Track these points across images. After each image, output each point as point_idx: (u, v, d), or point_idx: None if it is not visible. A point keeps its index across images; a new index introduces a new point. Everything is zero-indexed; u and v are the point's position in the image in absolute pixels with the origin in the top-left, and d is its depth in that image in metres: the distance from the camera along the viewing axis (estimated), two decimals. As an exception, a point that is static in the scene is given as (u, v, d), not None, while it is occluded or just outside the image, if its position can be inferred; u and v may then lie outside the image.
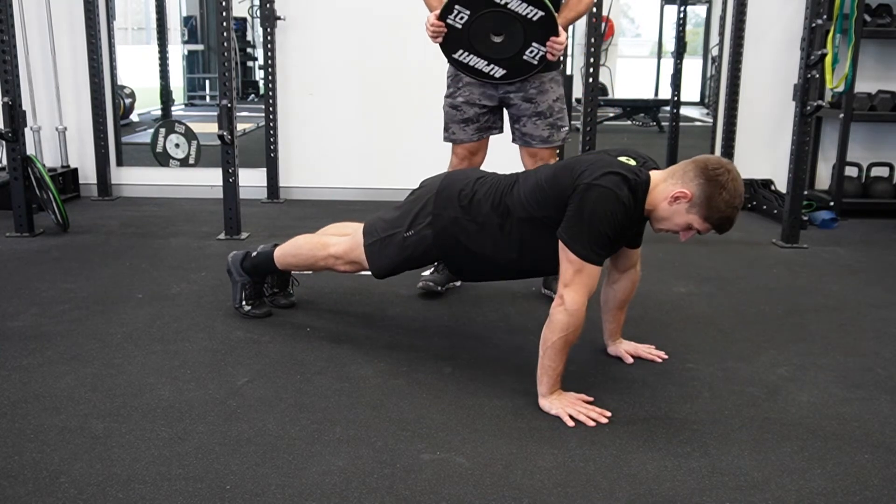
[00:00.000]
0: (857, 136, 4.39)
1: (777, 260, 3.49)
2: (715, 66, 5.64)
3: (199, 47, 7.75)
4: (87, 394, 2.03)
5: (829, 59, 3.54)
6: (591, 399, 2.02)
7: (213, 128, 3.52)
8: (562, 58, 2.69)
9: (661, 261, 3.34)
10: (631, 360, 2.31)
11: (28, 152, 3.64)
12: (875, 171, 4.42)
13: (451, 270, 2.37)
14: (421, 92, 4.42)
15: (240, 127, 4.62)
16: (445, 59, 2.57)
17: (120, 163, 4.64)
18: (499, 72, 2.48)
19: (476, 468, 1.71)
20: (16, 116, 3.49)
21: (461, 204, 2.16)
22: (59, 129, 4.43)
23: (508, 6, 2.30)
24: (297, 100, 4.53)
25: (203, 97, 7.84)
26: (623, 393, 2.10)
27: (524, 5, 2.31)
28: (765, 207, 4.32)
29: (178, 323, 2.55)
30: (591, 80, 3.40)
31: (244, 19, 7.31)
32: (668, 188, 1.96)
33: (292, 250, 2.50)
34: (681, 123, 5.05)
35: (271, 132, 4.48)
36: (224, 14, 3.44)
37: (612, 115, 7.60)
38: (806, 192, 3.99)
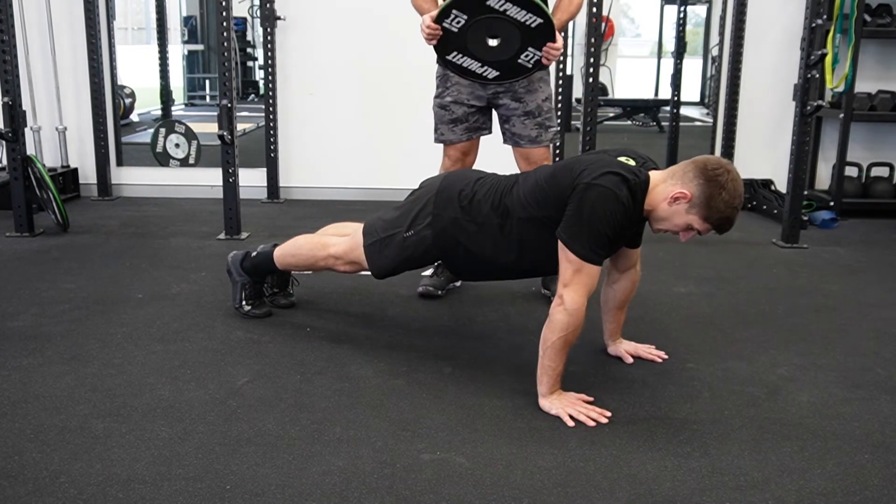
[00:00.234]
0: (857, 136, 4.39)
1: (777, 260, 3.49)
2: (715, 66, 5.64)
3: (199, 47, 7.75)
4: (87, 394, 2.03)
5: (829, 59, 3.54)
6: (591, 399, 2.02)
7: (213, 128, 3.52)
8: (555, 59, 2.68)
9: (661, 261, 3.34)
10: (631, 360, 2.31)
11: (28, 152, 3.64)
12: (875, 171, 4.42)
13: (450, 271, 2.37)
14: (421, 92, 4.40)
15: (240, 127, 4.62)
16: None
17: (120, 163, 4.64)
18: (492, 73, 2.47)
19: (476, 468, 1.71)
20: (16, 116, 3.50)
21: (461, 204, 2.16)
22: (59, 129, 4.43)
23: (507, 13, 2.28)
24: (297, 100, 4.53)
25: (203, 97, 7.84)
26: (623, 393, 2.10)
27: (523, 12, 2.29)
28: (765, 207, 4.32)
29: (178, 323, 2.55)
30: (591, 80, 3.40)
31: (244, 19, 7.30)
32: (668, 189, 1.96)
33: (292, 250, 2.50)
34: (681, 123, 5.05)
35: (271, 132, 4.48)
36: (224, 14, 3.44)
37: (612, 115, 7.60)
38: (806, 192, 3.99)
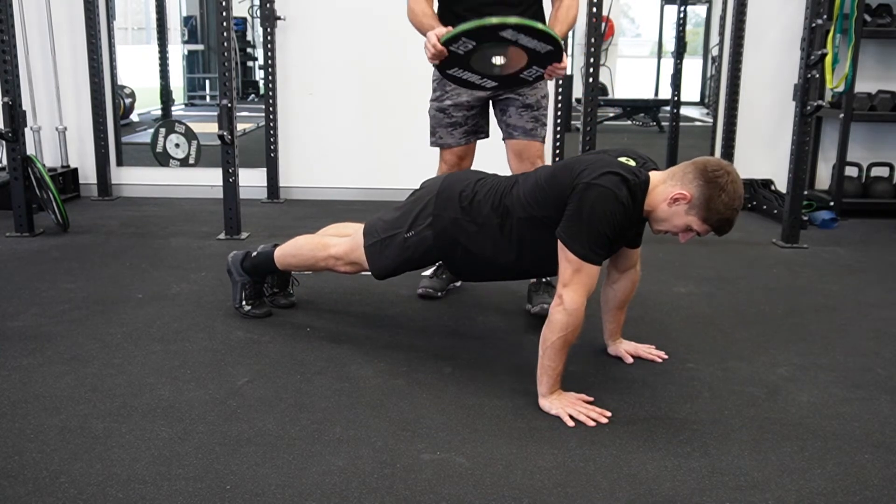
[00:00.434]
0: (857, 136, 4.39)
1: (777, 260, 3.49)
2: (715, 66, 5.64)
3: (199, 47, 7.75)
4: (87, 394, 2.03)
5: (829, 59, 3.54)
6: (591, 399, 2.02)
7: (213, 128, 3.52)
8: None
9: (661, 261, 3.34)
10: (631, 360, 2.31)
11: (28, 152, 3.64)
12: (875, 171, 4.42)
13: (451, 271, 2.36)
14: (421, 92, 4.39)
15: (240, 127, 4.63)
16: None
17: (120, 163, 4.64)
18: (490, 84, 2.43)
19: (476, 468, 1.71)
20: (16, 116, 3.50)
21: (461, 205, 2.16)
22: (59, 129, 4.43)
23: (519, 42, 2.23)
24: (297, 100, 4.53)
25: (203, 97, 7.85)
26: (623, 393, 2.10)
27: (535, 41, 2.24)
28: (765, 207, 4.32)
29: (178, 323, 2.55)
30: (591, 80, 3.40)
31: (244, 19, 7.31)
32: (668, 189, 1.96)
33: (292, 251, 2.50)
34: (681, 123, 5.05)
35: (271, 132, 4.48)
36: (224, 14, 3.44)
37: (612, 115, 7.60)
38: (806, 192, 3.99)
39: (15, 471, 1.66)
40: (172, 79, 6.52)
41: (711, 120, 4.90)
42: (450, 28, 2.18)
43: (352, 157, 4.59)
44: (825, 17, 3.47)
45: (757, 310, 2.80)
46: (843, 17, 3.71)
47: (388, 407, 2.00)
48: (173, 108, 6.75)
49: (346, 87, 4.51)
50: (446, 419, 1.93)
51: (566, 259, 1.94)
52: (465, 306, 2.79)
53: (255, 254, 2.59)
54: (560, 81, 4.36)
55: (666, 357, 2.34)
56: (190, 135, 4.71)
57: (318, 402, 2.02)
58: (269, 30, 4.39)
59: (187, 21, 7.73)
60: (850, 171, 4.36)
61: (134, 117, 6.31)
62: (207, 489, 1.61)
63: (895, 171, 4.40)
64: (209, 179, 4.46)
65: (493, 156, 2.90)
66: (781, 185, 4.25)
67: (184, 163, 4.71)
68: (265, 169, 4.53)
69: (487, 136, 2.75)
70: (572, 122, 6.15)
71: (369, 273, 2.35)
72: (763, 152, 4.59)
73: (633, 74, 10.00)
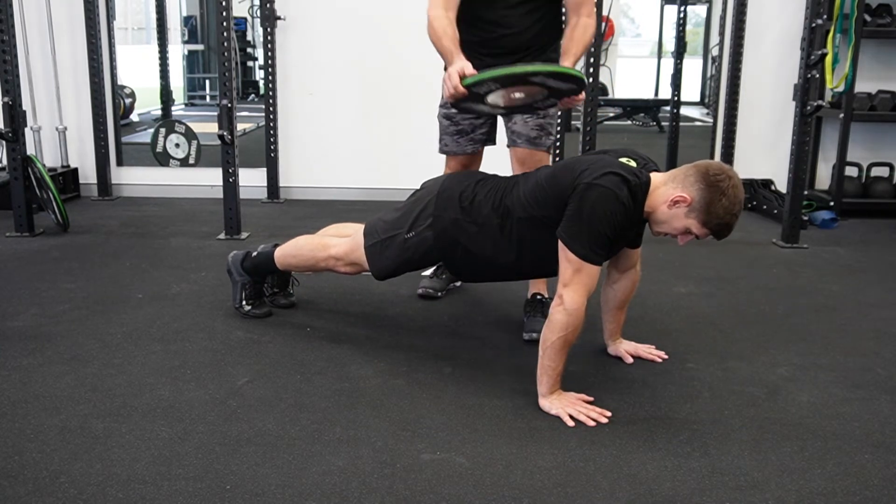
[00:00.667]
0: (857, 136, 4.39)
1: (777, 260, 3.49)
2: (715, 66, 5.63)
3: (199, 47, 7.75)
4: (87, 394, 2.03)
5: (829, 59, 3.54)
6: (591, 399, 2.02)
7: (213, 128, 3.52)
8: None
9: (661, 261, 3.34)
10: (631, 360, 2.32)
11: (28, 152, 3.64)
12: (875, 171, 4.42)
13: (451, 272, 2.36)
14: (421, 92, 4.41)
15: (240, 127, 4.62)
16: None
17: (120, 163, 4.64)
18: (500, 111, 2.40)
19: (476, 468, 1.71)
20: (16, 116, 3.50)
21: (462, 205, 2.16)
22: (60, 129, 4.43)
23: (545, 84, 2.18)
24: (297, 100, 4.53)
25: (203, 97, 7.85)
26: (623, 393, 2.10)
27: (561, 82, 2.16)
28: (765, 207, 4.32)
29: (178, 323, 2.55)
30: (591, 80, 3.40)
31: (244, 19, 7.30)
32: (668, 191, 1.96)
33: (293, 251, 2.50)
34: (681, 123, 5.05)
35: (271, 132, 4.48)
36: (224, 14, 3.44)
37: (612, 115, 7.60)
38: (806, 192, 3.99)
39: (15, 471, 1.66)
40: (172, 79, 6.52)
41: (711, 120, 4.90)
42: (475, 71, 2.12)
43: (352, 157, 4.59)
44: (825, 17, 3.47)
45: (757, 310, 2.80)
46: (843, 17, 3.71)
47: (388, 407, 2.00)
48: (173, 108, 6.75)
49: (346, 87, 4.51)
50: (446, 419, 1.93)
51: (566, 259, 1.94)
52: (465, 306, 2.79)
53: (255, 254, 2.59)
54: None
55: (666, 357, 2.34)
56: (190, 135, 4.71)
57: (318, 402, 2.02)
58: (269, 30, 4.39)
59: (187, 21, 7.73)
60: (850, 171, 4.36)
61: (134, 117, 6.31)
62: (207, 489, 1.61)
63: (895, 171, 4.40)
64: (209, 179, 4.46)
65: (499, 160, 2.89)
66: (781, 185, 4.25)
67: (184, 163, 4.71)
68: (265, 169, 4.53)
69: (494, 143, 2.68)
70: (572, 122, 6.14)
71: (370, 273, 2.35)
72: (763, 152, 4.58)
73: (633, 74, 10.00)
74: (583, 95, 2.26)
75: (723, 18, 4.69)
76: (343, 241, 2.39)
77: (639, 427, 1.92)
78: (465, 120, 2.60)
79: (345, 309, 2.73)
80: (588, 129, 3.48)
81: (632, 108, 7.63)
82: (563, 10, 2.49)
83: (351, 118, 4.54)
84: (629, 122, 7.49)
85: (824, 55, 3.49)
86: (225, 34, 3.46)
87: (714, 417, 1.97)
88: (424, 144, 4.31)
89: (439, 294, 2.85)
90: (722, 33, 4.70)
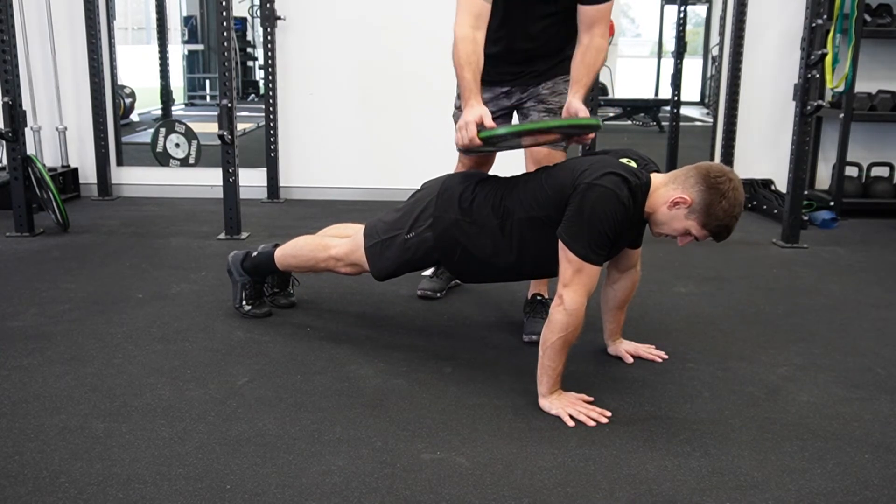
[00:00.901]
0: (857, 136, 4.39)
1: (777, 260, 3.49)
2: (715, 66, 5.63)
3: (199, 47, 7.75)
4: (87, 394, 2.03)
5: (829, 59, 3.54)
6: (591, 399, 2.02)
7: (214, 127, 3.52)
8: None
9: (662, 261, 3.34)
10: (631, 360, 2.32)
11: (28, 152, 3.64)
12: (875, 171, 4.43)
13: (451, 273, 2.36)
14: (421, 92, 4.42)
15: (240, 127, 4.62)
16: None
17: (120, 163, 4.64)
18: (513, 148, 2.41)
19: (476, 468, 1.71)
20: (16, 116, 3.50)
21: (462, 206, 2.16)
22: (60, 129, 4.43)
23: (563, 132, 2.16)
24: (297, 100, 4.53)
25: (203, 97, 7.84)
26: (623, 393, 2.10)
27: (578, 130, 2.18)
28: (765, 207, 4.32)
29: (178, 323, 2.55)
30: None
31: (244, 19, 7.30)
32: (669, 193, 1.96)
33: (293, 251, 2.50)
34: (681, 123, 5.04)
35: (271, 132, 4.48)
36: (224, 14, 3.44)
37: (612, 115, 7.60)
38: (806, 192, 3.99)
39: (15, 470, 1.66)
40: (172, 79, 6.52)
41: (711, 120, 4.90)
42: (493, 123, 2.09)
43: (352, 157, 4.59)
44: (825, 17, 3.47)
45: (757, 310, 2.80)
46: (843, 17, 3.71)
47: (388, 407, 2.00)
48: (173, 108, 6.74)
49: (347, 87, 4.51)
50: (446, 419, 1.93)
51: (567, 259, 1.93)
52: (465, 306, 2.79)
53: (255, 254, 2.59)
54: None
55: (666, 357, 2.34)
56: (190, 135, 4.71)
57: (318, 402, 2.02)
58: (269, 30, 4.39)
59: (187, 21, 7.73)
60: (850, 171, 4.36)
61: (134, 117, 6.31)
62: (207, 489, 1.61)
63: (895, 171, 4.40)
64: (209, 179, 4.46)
65: (512, 160, 2.88)
66: (781, 185, 4.25)
67: (184, 163, 4.71)
68: (265, 169, 4.53)
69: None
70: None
71: (370, 274, 2.35)
72: (763, 152, 4.59)
73: (633, 74, 10.00)
74: (593, 134, 2.23)
75: (723, 18, 4.69)
76: (343, 241, 2.39)
77: (639, 427, 1.92)
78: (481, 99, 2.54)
79: (345, 309, 2.73)
80: (588, 129, 3.47)
81: (632, 108, 7.63)
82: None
83: (351, 118, 4.54)
84: (629, 122, 7.49)
85: (824, 55, 3.49)
86: (225, 34, 3.46)
87: (714, 417, 1.97)
88: (424, 144, 4.34)
89: (438, 295, 2.85)
90: (722, 33, 4.70)
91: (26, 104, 3.88)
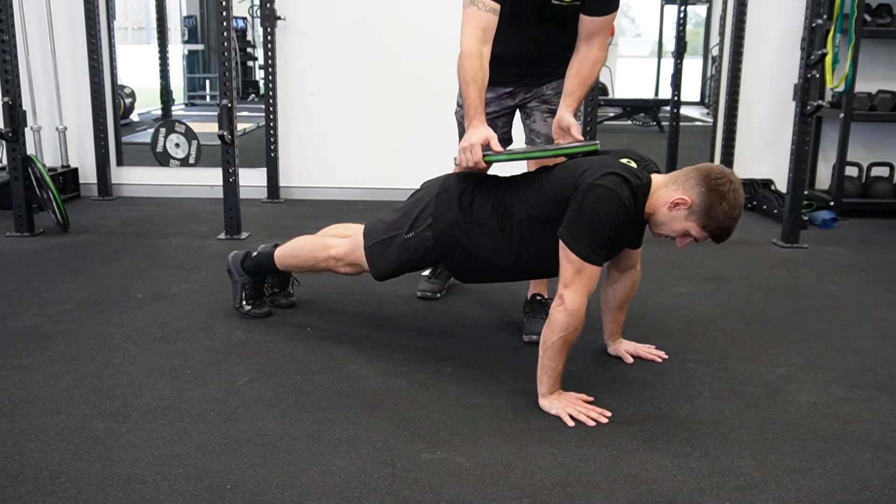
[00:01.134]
0: (857, 136, 4.39)
1: (777, 260, 3.49)
2: (715, 66, 5.63)
3: (199, 47, 7.74)
4: (88, 394, 2.03)
5: (829, 59, 3.54)
6: (591, 399, 2.02)
7: (214, 127, 3.52)
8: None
9: (662, 261, 3.34)
10: (631, 360, 2.32)
11: (28, 152, 3.64)
12: (875, 171, 4.43)
13: (451, 273, 2.35)
14: (422, 92, 4.42)
15: (240, 127, 4.62)
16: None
17: (120, 163, 4.64)
18: None
19: (476, 468, 1.71)
20: (16, 116, 3.50)
21: (462, 206, 2.15)
22: (60, 129, 4.43)
23: (565, 155, 2.16)
24: (297, 100, 4.53)
25: (203, 97, 7.84)
26: (623, 393, 2.10)
27: (579, 153, 2.17)
28: (765, 207, 4.32)
29: (178, 323, 2.55)
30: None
31: (244, 19, 7.30)
32: (669, 193, 1.96)
33: (293, 251, 2.50)
34: (681, 123, 5.04)
35: (271, 132, 4.48)
36: (224, 14, 3.44)
37: (612, 114, 7.59)
38: (806, 192, 3.99)
39: (15, 470, 1.66)
40: (172, 79, 6.52)
41: (711, 120, 4.90)
42: (499, 145, 2.10)
43: (352, 157, 4.59)
44: (825, 17, 3.47)
45: (757, 310, 2.80)
46: (843, 17, 3.71)
47: (388, 407, 2.00)
48: (173, 108, 6.74)
49: (347, 87, 4.51)
50: (446, 419, 1.93)
51: (567, 259, 1.93)
52: (465, 306, 2.79)
53: (255, 254, 2.59)
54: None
55: (666, 357, 2.34)
56: (190, 135, 4.71)
57: (318, 402, 2.02)
58: (269, 30, 4.39)
59: (187, 21, 7.73)
60: (850, 171, 4.36)
61: (134, 117, 6.31)
62: (207, 489, 1.61)
63: (895, 170, 4.40)
64: (209, 179, 4.46)
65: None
66: (781, 185, 4.25)
67: (184, 163, 4.71)
68: (265, 169, 4.53)
69: (512, 142, 2.64)
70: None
71: (370, 274, 2.35)
72: (763, 152, 4.59)
73: (633, 74, 10.00)
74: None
75: (723, 18, 4.69)
76: (343, 241, 2.39)
77: (639, 427, 1.92)
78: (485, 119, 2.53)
79: (345, 309, 2.73)
80: (588, 129, 3.48)
81: (632, 108, 7.63)
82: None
83: (351, 118, 4.54)
84: (629, 122, 7.48)
85: (824, 55, 3.49)
86: (225, 34, 3.46)
87: (714, 417, 1.97)
88: (424, 144, 4.34)
89: (438, 295, 2.86)
90: (722, 33, 4.70)
91: (26, 104, 3.88)
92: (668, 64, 6.90)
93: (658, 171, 2.07)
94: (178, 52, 7.43)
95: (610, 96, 8.02)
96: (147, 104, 6.55)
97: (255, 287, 2.62)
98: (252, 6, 6.92)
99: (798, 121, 3.62)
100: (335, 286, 2.91)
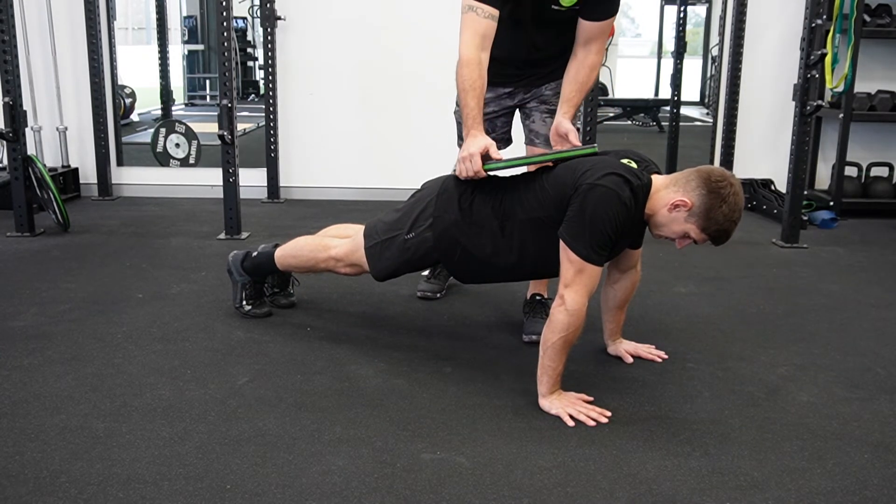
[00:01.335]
0: (856, 136, 4.40)
1: (777, 260, 3.49)
2: (715, 66, 5.63)
3: (199, 47, 7.74)
4: (88, 393, 2.03)
5: (828, 59, 3.54)
6: (591, 399, 2.02)
7: (214, 127, 3.52)
8: None
9: (662, 261, 3.35)
10: (631, 360, 2.32)
11: (29, 152, 3.64)
12: (875, 171, 4.43)
13: (451, 273, 2.35)
14: (422, 91, 4.43)
15: (240, 127, 4.63)
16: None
17: (120, 163, 4.64)
18: None
19: (476, 468, 1.71)
20: (16, 116, 3.50)
21: (462, 206, 2.15)
22: (60, 129, 4.43)
23: (564, 159, 2.15)
24: (297, 100, 4.53)
25: (203, 97, 7.84)
26: (623, 393, 2.10)
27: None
28: (765, 207, 4.32)
29: (178, 323, 2.55)
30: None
31: (244, 19, 7.30)
32: (669, 195, 1.96)
33: (293, 251, 2.50)
34: (681, 123, 5.04)
35: (271, 132, 4.48)
36: (224, 14, 3.44)
37: (612, 115, 7.59)
38: (806, 192, 3.99)
39: (15, 470, 1.67)
40: (172, 79, 6.52)
41: (711, 120, 4.90)
42: (498, 153, 2.10)
43: (352, 157, 4.59)
44: (825, 17, 3.48)
45: (757, 310, 2.80)
46: (842, 17, 3.70)
47: (388, 407, 2.00)
48: (173, 108, 6.74)
49: (347, 87, 4.51)
50: (446, 419, 1.93)
51: (568, 259, 1.93)
52: (465, 306, 2.79)
53: (255, 254, 2.59)
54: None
55: (666, 357, 2.34)
56: (190, 135, 4.71)
57: (318, 402, 2.02)
58: (269, 30, 4.39)
59: (187, 21, 7.73)
60: (850, 171, 4.36)
61: (134, 117, 6.31)
62: (207, 489, 1.61)
63: (895, 170, 4.40)
64: (209, 179, 4.46)
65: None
66: (781, 185, 4.25)
67: (184, 163, 4.71)
68: (265, 169, 4.53)
69: (511, 142, 2.63)
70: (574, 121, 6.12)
71: (370, 274, 2.35)
72: (763, 152, 4.59)
73: (633, 74, 10.00)
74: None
75: (723, 18, 4.69)
76: (343, 242, 2.39)
77: (639, 427, 1.92)
78: (484, 119, 2.53)
79: (345, 309, 2.73)
80: (588, 130, 3.48)
81: (632, 108, 7.62)
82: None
83: (351, 118, 4.54)
84: (629, 122, 7.48)
85: (824, 55, 3.49)
86: (225, 34, 3.46)
87: (714, 417, 1.97)
88: (424, 144, 4.34)
89: (438, 295, 2.86)
90: (722, 33, 4.70)
91: (27, 104, 3.88)
92: (667, 64, 6.90)
93: (658, 172, 2.07)
94: (178, 52, 7.43)
95: (610, 96, 8.02)
96: (147, 104, 6.55)
97: (256, 287, 2.62)
98: (252, 6, 6.92)
99: (798, 121, 3.62)
100: (335, 286, 2.91)
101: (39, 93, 4.38)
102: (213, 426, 1.87)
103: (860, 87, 4.30)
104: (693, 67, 7.01)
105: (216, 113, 3.49)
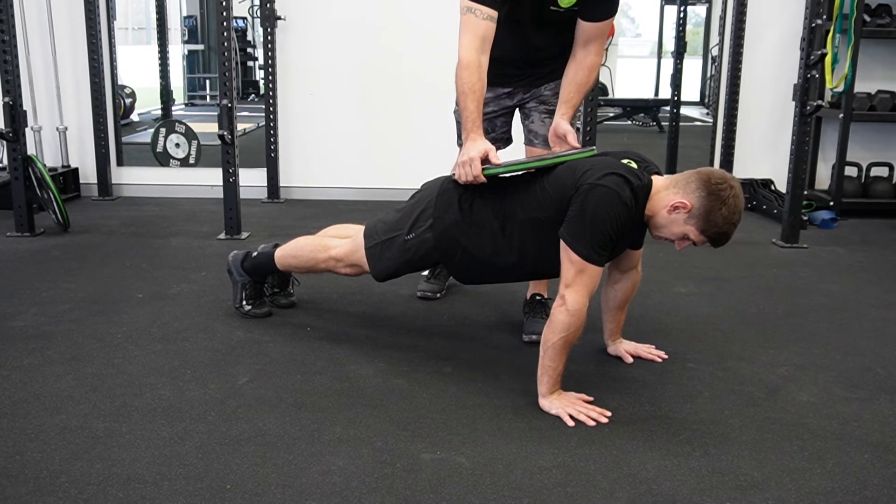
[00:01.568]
0: (856, 136, 4.40)
1: (777, 260, 3.49)
2: (715, 66, 5.64)
3: (199, 47, 7.74)
4: (88, 393, 2.03)
5: (828, 59, 3.54)
6: (591, 399, 2.02)
7: (214, 127, 3.52)
8: None
9: (662, 261, 3.35)
10: (631, 360, 2.32)
11: (29, 152, 3.64)
12: (875, 171, 4.43)
13: (451, 274, 2.35)
14: (422, 91, 4.43)
15: (240, 127, 4.63)
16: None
17: (120, 163, 4.64)
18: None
19: (476, 468, 1.71)
20: (16, 116, 3.50)
21: (462, 207, 2.15)
22: (60, 129, 4.43)
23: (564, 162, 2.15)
24: (297, 100, 4.53)
25: (203, 97, 7.84)
26: (623, 393, 2.10)
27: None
28: (765, 207, 4.32)
29: (178, 323, 2.55)
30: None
31: (244, 19, 7.30)
32: (669, 196, 1.96)
33: (293, 251, 2.50)
34: (681, 123, 5.04)
35: (271, 132, 4.48)
36: (224, 14, 3.44)
37: (612, 115, 7.60)
38: (806, 192, 3.99)
39: (15, 470, 1.67)
40: (172, 79, 6.52)
41: (711, 120, 4.90)
42: (497, 157, 2.09)
43: (352, 157, 4.59)
44: (825, 17, 3.48)
45: (757, 310, 2.80)
46: (842, 17, 3.70)
47: (388, 407, 2.00)
48: (173, 108, 6.74)
49: (347, 87, 4.51)
50: (446, 419, 1.94)
51: (569, 260, 1.93)
52: (465, 306, 2.79)
53: (255, 254, 2.59)
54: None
55: (666, 357, 2.34)
56: (190, 135, 4.71)
57: (318, 402, 2.02)
58: (269, 30, 4.39)
59: (187, 21, 7.73)
60: (850, 171, 4.36)
61: (134, 117, 6.31)
62: (207, 489, 1.61)
63: (895, 170, 4.40)
64: (209, 179, 4.46)
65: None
66: (781, 185, 4.25)
67: (184, 163, 4.71)
68: (265, 169, 4.53)
69: (511, 142, 2.64)
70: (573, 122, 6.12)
71: (370, 274, 2.35)
72: (763, 152, 4.59)
73: (633, 74, 10.00)
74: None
75: (723, 18, 4.69)
76: (343, 242, 2.39)
77: (639, 427, 1.92)
78: (484, 119, 2.53)
79: (345, 309, 2.73)
80: (588, 130, 3.48)
81: (632, 108, 7.62)
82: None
83: (351, 118, 4.54)
84: (629, 122, 7.48)
85: (824, 55, 3.49)
86: (225, 34, 3.46)
87: (714, 417, 1.98)
88: (424, 144, 4.34)
89: (438, 295, 2.86)
90: (722, 33, 4.70)
91: (27, 104, 3.88)
92: (667, 64, 6.90)
93: (658, 173, 2.07)
94: (178, 52, 7.43)
95: (610, 96, 8.02)
96: (147, 104, 6.56)
97: (256, 287, 2.62)
98: (252, 6, 6.92)
99: (798, 121, 3.62)
100: (335, 286, 2.91)
101: (39, 93, 4.38)
102: (213, 426, 1.87)
103: (860, 87, 4.30)
104: (693, 67, 7.01)
105: (216, 113, 3.49)
